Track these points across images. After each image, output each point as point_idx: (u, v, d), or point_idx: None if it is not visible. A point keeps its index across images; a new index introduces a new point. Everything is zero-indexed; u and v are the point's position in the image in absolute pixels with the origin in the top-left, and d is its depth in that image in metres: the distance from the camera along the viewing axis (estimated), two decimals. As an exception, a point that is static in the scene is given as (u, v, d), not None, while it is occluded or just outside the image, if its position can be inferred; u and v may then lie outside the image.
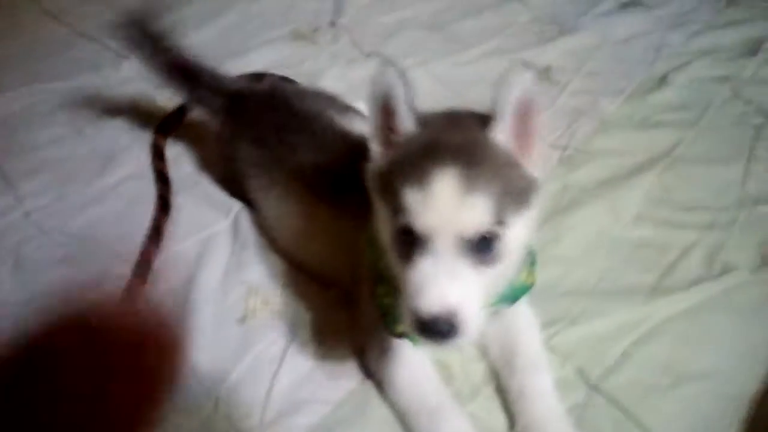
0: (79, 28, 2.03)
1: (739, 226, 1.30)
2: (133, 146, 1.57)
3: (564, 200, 1.37)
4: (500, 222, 0.78)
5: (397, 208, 0.78)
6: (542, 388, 0.96)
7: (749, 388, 1.08)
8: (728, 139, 1.53)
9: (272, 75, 1.73)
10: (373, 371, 1.02)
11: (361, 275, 1.03)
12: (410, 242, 0.77)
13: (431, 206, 0.75)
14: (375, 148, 0.87)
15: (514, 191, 0.80)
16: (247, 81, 1.61)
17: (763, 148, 1.49)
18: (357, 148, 0.99)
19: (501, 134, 0.81)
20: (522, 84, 0.78)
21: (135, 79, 1.76)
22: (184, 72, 1.44)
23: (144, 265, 1.23)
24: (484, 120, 0.82)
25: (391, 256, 0.83)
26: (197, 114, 1.56)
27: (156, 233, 1.30)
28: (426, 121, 0.84)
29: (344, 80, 1.77)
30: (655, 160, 1.46)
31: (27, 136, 1.61)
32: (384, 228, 0.83)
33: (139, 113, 1.69)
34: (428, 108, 0.88)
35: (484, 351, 1.06)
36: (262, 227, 1.31)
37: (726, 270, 1.20)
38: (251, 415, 0.98)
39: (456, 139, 0.80)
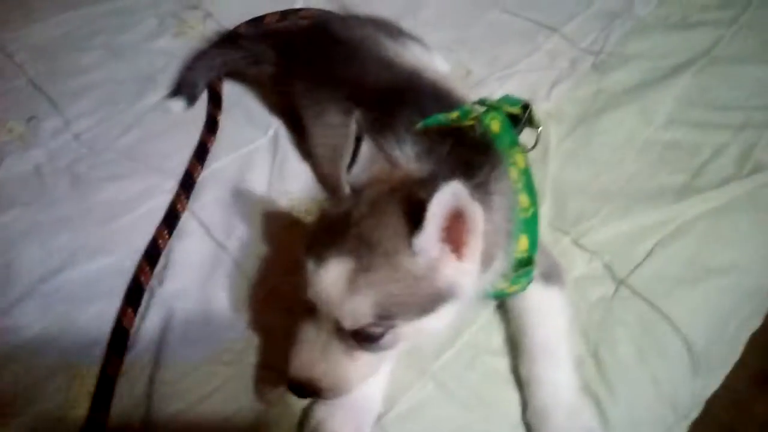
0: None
1: (772, 126, 1.28)
2: (169, 68, 1.60)
3: (596, 105, 1.37)
4: (388, 324, 0.75)
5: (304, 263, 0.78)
6: (553, 378, 0.89)
7: (769, 282, 1.12)
8: (766, 38, 1.49)
9: (308, 9, 1.71)
10: None
11: None
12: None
13: (317, 286, 0.76)
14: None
15: (416, 301, 0.75)
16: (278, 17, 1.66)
17: (803, 46, 1.45)
18: (401, 76, 0.99)
19: (424, 242, 0.73)
20: (448, 197, 0.70)
21: (167, 1, 1.82)
22: (226, 43, 1.53)
23: (189, 181, 1.29)
24: (415, 214, 0.73)
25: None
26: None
27: (202, 151, 1.35)
28: (358, 192, 0.81)
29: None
30: (689, 61, 1.43)
31: (67, 62, 1.64)
32: None
33: (171, 35, 1.72)
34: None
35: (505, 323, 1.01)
36: (311, 156, 1.32)
37: (757, 169, 1.19)
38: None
39: (370, 234, 0.75)
